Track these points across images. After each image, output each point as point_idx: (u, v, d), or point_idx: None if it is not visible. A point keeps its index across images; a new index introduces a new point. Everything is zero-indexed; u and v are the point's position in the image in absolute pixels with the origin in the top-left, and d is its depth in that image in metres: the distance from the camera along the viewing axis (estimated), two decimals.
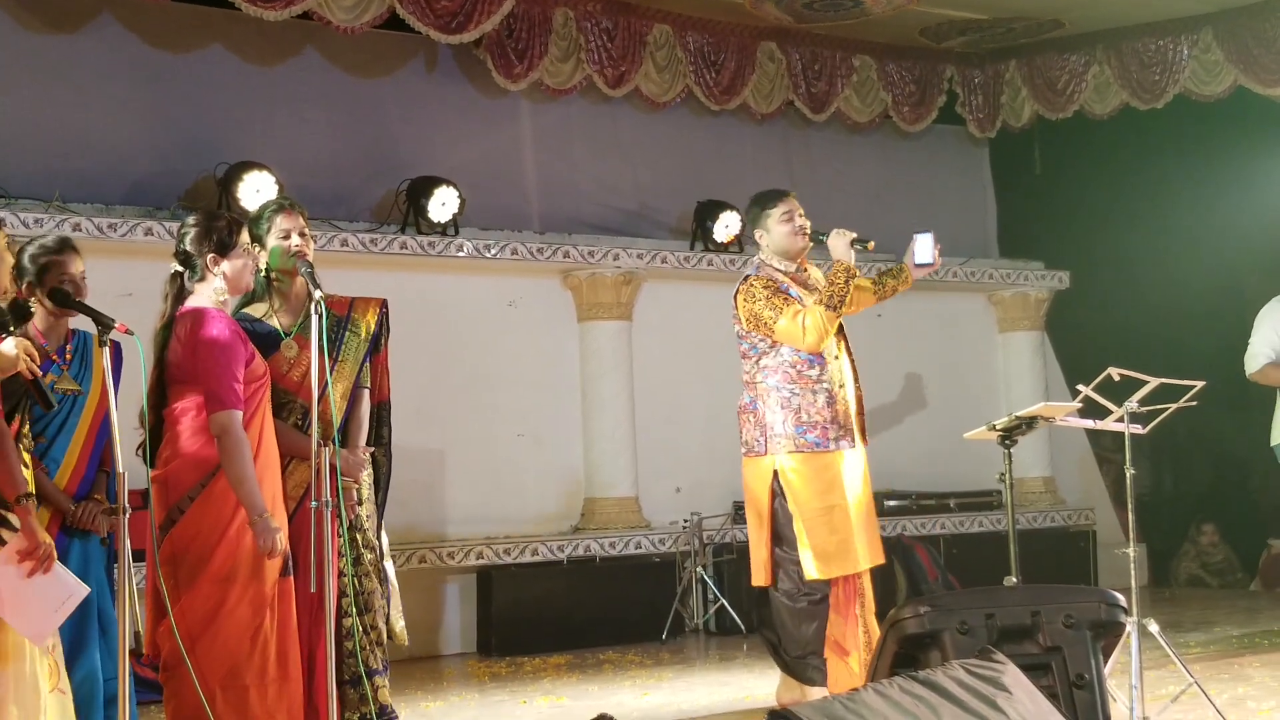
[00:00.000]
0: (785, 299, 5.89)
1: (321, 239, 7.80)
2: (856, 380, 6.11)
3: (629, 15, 9.62)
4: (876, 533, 6.09)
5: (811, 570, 5.83)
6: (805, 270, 6.13)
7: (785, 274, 6.02)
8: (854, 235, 5.90)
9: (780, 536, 5.94)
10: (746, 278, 6.01)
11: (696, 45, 9.94)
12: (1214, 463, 11.41)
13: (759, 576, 6.02)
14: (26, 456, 4.33)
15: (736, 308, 6.01)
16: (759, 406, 5.98)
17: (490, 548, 8.93)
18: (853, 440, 5.97)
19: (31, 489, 4.20)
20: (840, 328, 6.03)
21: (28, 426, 4.43)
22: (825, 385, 5.90)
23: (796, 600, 5.90)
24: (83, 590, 4.23)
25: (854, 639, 5.94)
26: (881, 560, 6.07)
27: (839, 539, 5.85)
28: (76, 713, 4.41)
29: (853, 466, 5.96)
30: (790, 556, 5.90)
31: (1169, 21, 10.13)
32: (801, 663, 5.92)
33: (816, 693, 5.77)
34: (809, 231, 6.02)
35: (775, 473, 5.92)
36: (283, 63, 9.10)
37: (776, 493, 5.93)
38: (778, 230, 5.98)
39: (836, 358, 5.99)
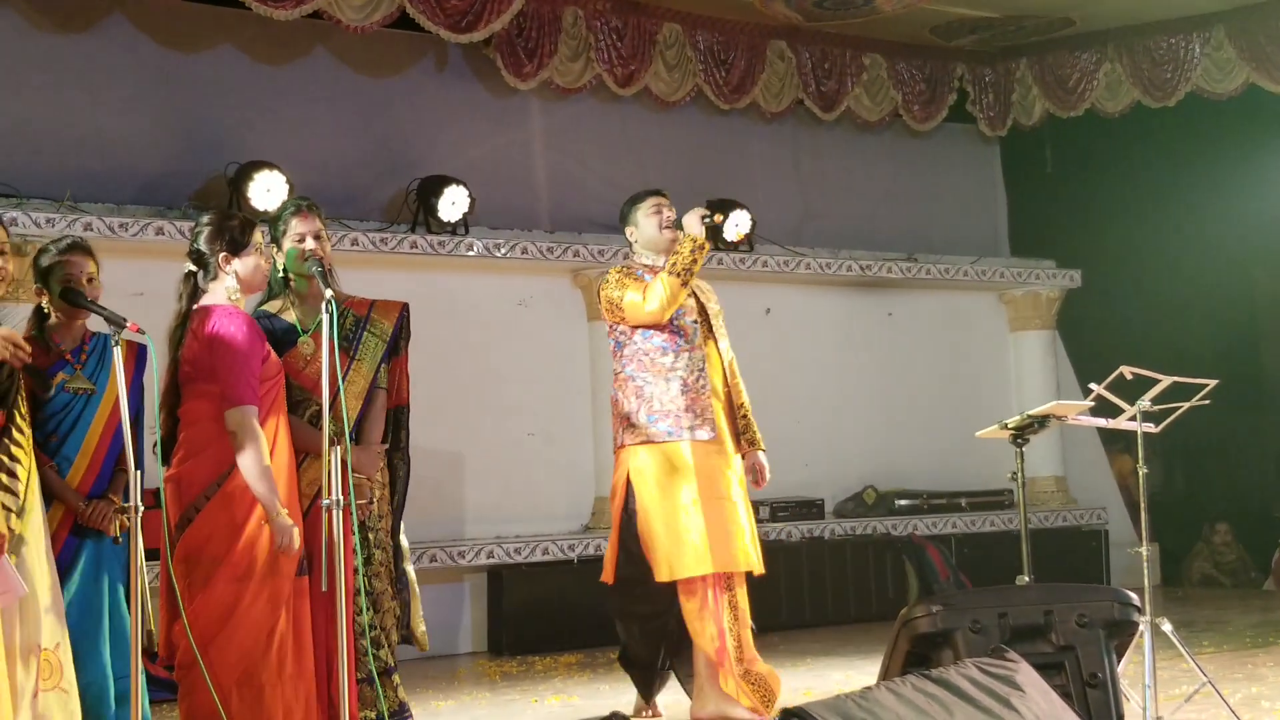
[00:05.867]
0: (635, 279, 5.83)
1: (331, 238, 7.77)
2: (728, 381, 5.92)
3: (638, 14, 9.62)
4: (744, 539, 5.71)
5: (661, 571, 5.64)
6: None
7: (651, 268, 5.94)
8: (704, 211, 5.81)
9: (628, 537, 5.77)
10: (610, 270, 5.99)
11: (706, 44, 9.93)
12: (1226, 461, 11.38)
13: (605, 573, 5.92)
14: (20, 453, 4.26)
15: (600, 302, 5.97)
16: (619, 398, 5.88)
17: (501, 547, 8.93)
18: (713, 432, 5.74)
19: None
20: (709, 327, 5.90)
21: (22, 420, 4.40)
22: (679, 374, 5.75)
23: (626, 619, 5.86)
24: (22, 590, 4.04)
25: (723, 651, 5.65)
26: (749, 569, 5.72)
27: (690, 537, 5.60)
28: (88, 713, 4.40)
29: (714, 461, 5.73)
30: (636, 569, 5.74)
31: (1181, 19, 10.11)
32: (637, 671, 5.93)
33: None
34: (677, 226, 5.93)
35: (630, 469, 5.77)
36: (293, 62, 9.10)
37: (629, 489, 5.76)
38: (645, 224, 5.98)
39: (697, 348, 5.82)
